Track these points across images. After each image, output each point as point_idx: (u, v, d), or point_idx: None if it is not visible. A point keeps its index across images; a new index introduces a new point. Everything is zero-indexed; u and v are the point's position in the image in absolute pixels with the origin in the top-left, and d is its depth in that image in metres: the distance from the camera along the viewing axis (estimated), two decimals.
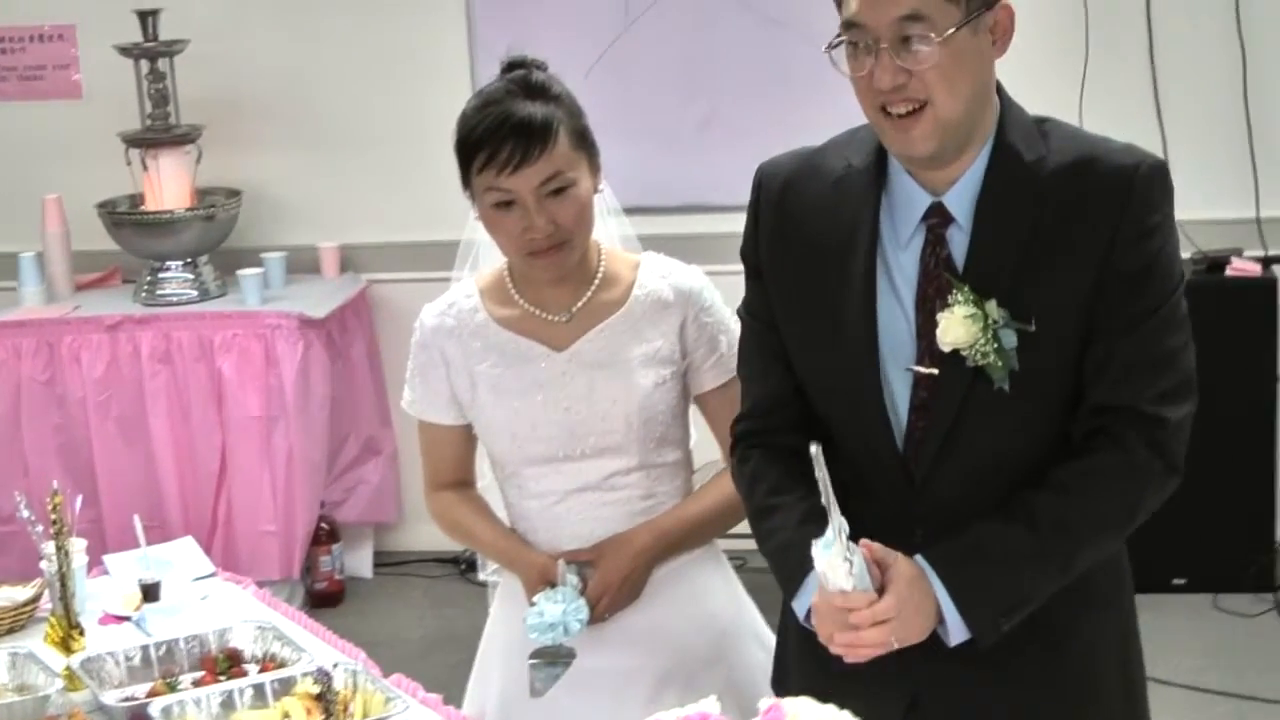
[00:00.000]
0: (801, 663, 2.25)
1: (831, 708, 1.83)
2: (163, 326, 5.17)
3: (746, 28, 5.26)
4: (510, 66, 2.54)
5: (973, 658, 2.12)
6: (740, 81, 5.33)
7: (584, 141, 2.51)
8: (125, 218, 5.32)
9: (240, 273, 5.26)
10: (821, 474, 2.00)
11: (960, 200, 2.14)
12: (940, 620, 2.10)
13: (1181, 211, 5.34)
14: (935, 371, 2.12)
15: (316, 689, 2.01)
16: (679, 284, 2.60)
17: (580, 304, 2.59)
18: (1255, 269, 4.96)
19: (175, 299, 5.30)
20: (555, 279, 2.55)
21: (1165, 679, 4.43)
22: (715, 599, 2.67)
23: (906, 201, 2.17)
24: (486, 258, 2.69)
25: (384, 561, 5.65)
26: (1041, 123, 2.19)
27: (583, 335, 2.57)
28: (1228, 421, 4.87)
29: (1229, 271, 4.95)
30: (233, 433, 5.15)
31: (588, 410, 2.55)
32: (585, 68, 5.34)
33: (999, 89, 2.17)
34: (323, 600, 5.40)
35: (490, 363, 2.59)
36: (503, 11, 5.41)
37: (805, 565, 2.12)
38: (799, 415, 2.27)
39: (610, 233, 2.66)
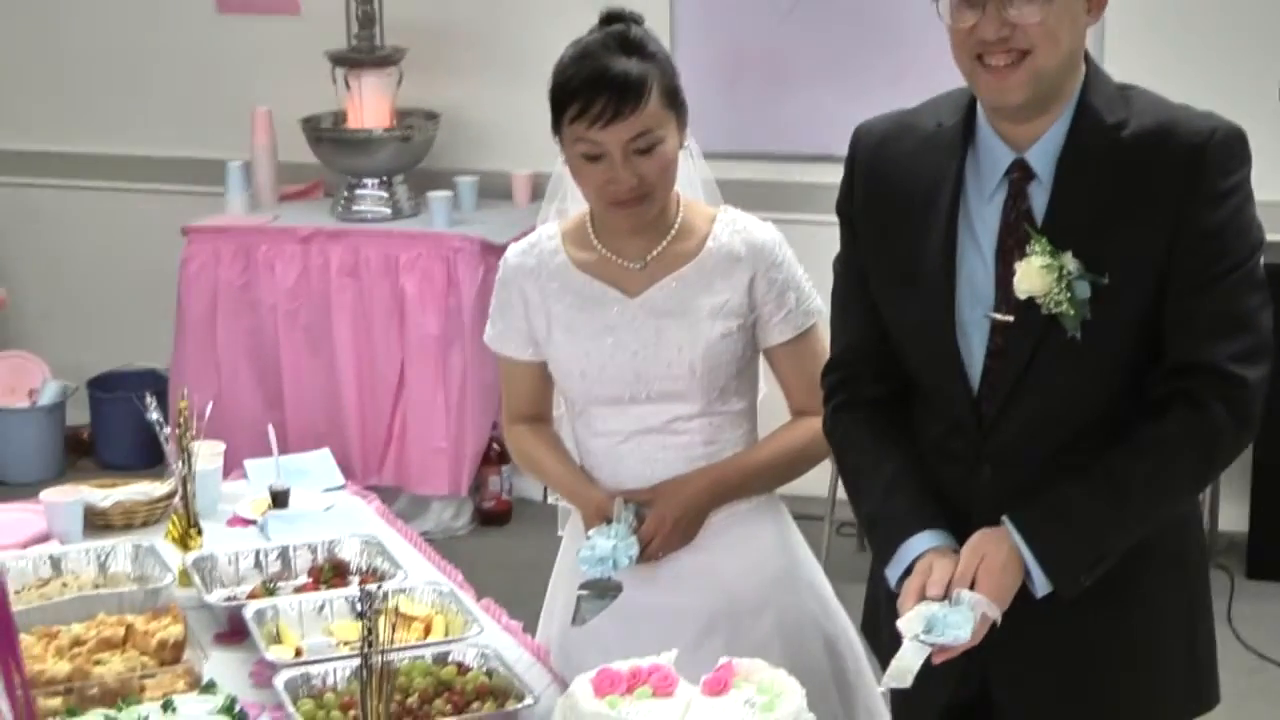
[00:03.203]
0: (891, 609, 2.34)
1: (782, 671, 1.87)
2: (353, 242, 5.33)
3: None
4: (609, 19, 2.59)
5: (1038, 603, 2.22)
6: (941, 38, 5.21)
7: (674, 100, 2.56)
8: (326, 134, 5.49)
9: (431, 194, 5.39)
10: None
11: (1043, 157, 2.23)
12: (1026, 573, 2.21)
13: None
14: (1011, 319, 2.22)
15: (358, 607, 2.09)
16: (752, 239, 2.64)
17: (655, 253, 2.64)
18: None
19: (369, 215, 5.45)
20: (633, 229, 2.61)
21: None
22: (768, 547, 2.71)
23: (991, 157, 2.27)
24: (573, 194, 2.74)
25: None
26: (1125, 89, 2.27)
27: (655, 283, 2.63)
28: None
29: None
30: (411, 350, 5.29)
31: (654, 356, 2.60)
32: (788, 5, 5.31)
33: (1086, 56, 2.26)
34: (490, 519, 5.52)
35: (566, 304, 2.66)
36: None
37: (892, 537, 2.29)
38: (883, 365, 2.39)
39: (693, 180, 2.71)
